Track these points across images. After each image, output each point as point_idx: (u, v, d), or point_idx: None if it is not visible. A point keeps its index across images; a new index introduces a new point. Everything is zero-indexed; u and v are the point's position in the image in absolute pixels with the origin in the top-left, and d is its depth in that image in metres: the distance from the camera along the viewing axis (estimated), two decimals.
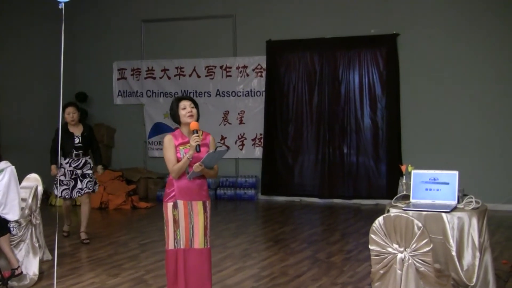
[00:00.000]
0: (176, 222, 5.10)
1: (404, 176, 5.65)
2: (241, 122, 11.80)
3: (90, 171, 8.18)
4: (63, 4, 5.40)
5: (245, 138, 11.79)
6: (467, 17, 10.36)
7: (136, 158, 12.49)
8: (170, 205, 5.11)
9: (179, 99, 5.18)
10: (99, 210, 10.78)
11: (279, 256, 7.35)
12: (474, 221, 5.12)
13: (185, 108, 5.10)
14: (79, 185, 8.10)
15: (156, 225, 9.28)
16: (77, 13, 12.42)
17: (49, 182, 8.93)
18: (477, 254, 5.11)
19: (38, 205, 6.66)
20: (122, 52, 12.59)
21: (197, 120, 5.14)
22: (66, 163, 8.07)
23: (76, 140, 8.15)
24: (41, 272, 6.46)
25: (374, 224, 4.78)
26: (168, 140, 5.11)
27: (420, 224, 4.64)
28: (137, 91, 12.49)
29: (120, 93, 12.66)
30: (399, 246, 4.69)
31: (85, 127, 8.36)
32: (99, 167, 8.43)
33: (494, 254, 6.19)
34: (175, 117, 5.16)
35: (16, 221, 6.23)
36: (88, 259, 7.24)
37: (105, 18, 12.73)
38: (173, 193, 5.11)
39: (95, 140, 8.51)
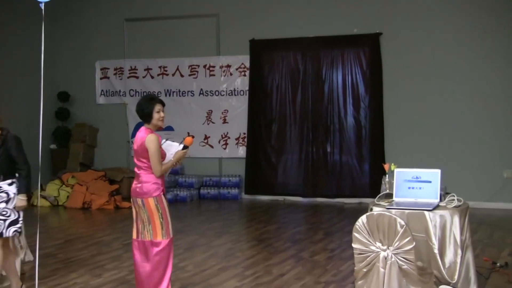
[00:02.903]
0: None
1: (387, 175, 5.68)
2: (224, 122, 11.79)
3: (2, 204, 5.53)
4: (43, 4, 5.39)
5: (229, 138, 11.78)
6: (449, 16, 10.42)
7: (119, 158, 12.42)
8: (163, 197, 5.38)
9: (155, 101, 5.38)
10: (82, 210, 10.73)
11: (263, 255, 7.36)
12: (456, 219, 5.15)
13: (159, 112, 5.35)
14: None
15: None
16: (59, 11, 12.33)
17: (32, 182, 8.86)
18: (459, 251, 5.15)
19: None
20: (105, 51, 12.53)
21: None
22: None
23: None
24: (22, 273, 6.41)
25: (357, 223, 4.79)
26: (157, 140, 5.31)
27: (403, 223, 4.66)
28: (120, 91, 12.44)
29: (103, 93, 12.60)
30: (382, 245, 4.71)
31: None
32: (19, 198, 5.58)
33: (475, 252, 6.25)
34: (149, 116, 5.34)
35: None
36: (71, 260, 7.19)
37: (87, 17, 12.66)
38: (162, 187, 5.39)
39: (20, 155, 5.65)
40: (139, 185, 5.34)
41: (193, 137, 5.93)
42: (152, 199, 5.30)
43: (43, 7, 5.48)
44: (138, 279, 5.45)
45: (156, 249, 5.34)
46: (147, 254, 5.39)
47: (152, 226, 5.35)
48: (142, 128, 5.41)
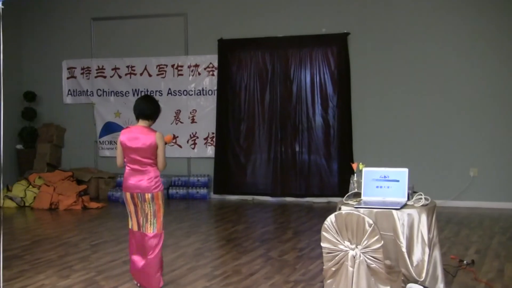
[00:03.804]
0: None
1: (355, 174, 5.71)
2: (193, 121, 11.75)
3: None
4: (1, 2, 5.31)
5: (197, 137, 11.75)
6: (416, 16, 10.52)
7: (86, 158, 12.32)
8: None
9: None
10: (49, 211, 10.60)
11: (232, 255, 7.35)
12: (424, 218, 5.21)
13: None
14: None
15: (108, 226, 9.19)
16: (25, 10, 12.17)
17: None
18: (427, 250, 5.20)
19: None
20: (72, 50, 12.40)
21: None
22: None
23: None
24: None
25: (325, 222, 4.81)
26: (163, 137, 5.75)
27: (371, 221, 4.69)
28: (87, 90, 12.31)
29: (70, 92, 12.47)
30: (351, 243, 4.73)
31: None
32: None
33: (442, 250, 6.32)
34: (157, 114, 5.89)
35: None
36: (38, 261, 7.10)
37: (54, 15, 12.51)
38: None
39: None
40: (149, 180, 5.63)
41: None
42: (161, 192, 5.68)
43: (1, 5, 5.39)
44: (137, 270, 5.76)
45: (157, 240, 5.69)
46: (144, 247, 5.67)
47: (157, 219, 5.69)
48: (141, 128, 5.73)
